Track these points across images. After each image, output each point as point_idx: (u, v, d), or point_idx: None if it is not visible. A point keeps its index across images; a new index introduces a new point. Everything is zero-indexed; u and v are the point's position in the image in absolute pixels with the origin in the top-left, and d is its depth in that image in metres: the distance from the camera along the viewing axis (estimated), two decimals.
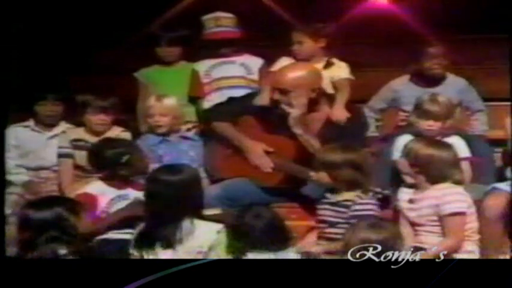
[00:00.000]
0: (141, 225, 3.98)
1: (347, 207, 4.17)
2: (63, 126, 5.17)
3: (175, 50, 5.37)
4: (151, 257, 3.83)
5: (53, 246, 3.53)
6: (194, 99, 5.35)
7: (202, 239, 3.88)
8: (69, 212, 3.61)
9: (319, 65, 5.03)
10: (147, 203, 3.99)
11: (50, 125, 5.17)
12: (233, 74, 5.28)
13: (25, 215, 3.62)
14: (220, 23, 5.27)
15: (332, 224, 4.20)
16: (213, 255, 3.78)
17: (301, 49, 5.02)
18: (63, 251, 3.53)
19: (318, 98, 4.71)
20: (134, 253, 3.91)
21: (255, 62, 5.33)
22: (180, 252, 3.83)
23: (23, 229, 3.60)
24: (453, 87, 5.20)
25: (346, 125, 4.68)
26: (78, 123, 5.08)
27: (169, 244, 3.84)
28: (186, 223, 3.87)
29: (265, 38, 5.64)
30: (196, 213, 3.95)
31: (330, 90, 4.98)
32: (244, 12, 5.41)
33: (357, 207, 4.15)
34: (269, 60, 5.22)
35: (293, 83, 4.61)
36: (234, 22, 5.29)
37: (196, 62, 5.38)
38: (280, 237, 3.78)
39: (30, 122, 5.17)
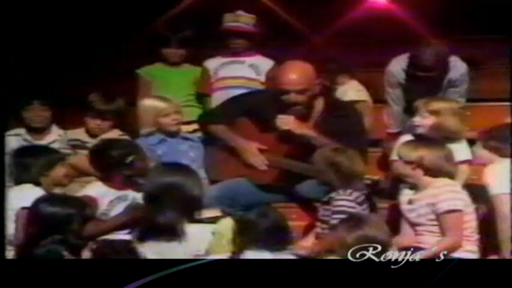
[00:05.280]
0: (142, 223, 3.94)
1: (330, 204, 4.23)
2: (55, 133, 5.13)
3: (181, 52, 5.38)
4: (152, 255, 3.80)
5: (56, 246, 3.54)
6: (202, 97, 5.37)
7: (198, 241, 3.84)
8: (78, 214, 3.62)
9: None
10: (144, 200, 3.96)
11: (41, 132, 5.11)
12: (240, 74, 5.29)
13: (35, 211, 3.63)
14: (240, 19, 5.31)
15: (326, 223, 4.24)
16: (211, 257, 3.76)
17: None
18: (65, 252, 3.54)
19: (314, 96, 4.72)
20: (138, 249, 3.87)
21: (265, 64, 5.32)
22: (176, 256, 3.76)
23: (30, 225, 3.61)
24: (456, 70, 5.13)
25: (340, 121, 4.67)
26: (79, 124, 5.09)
27: (168, 242, 3.80)
28: (179, 226, 3.81)
29: (281, 38, 5.66)
30: (192, 216, 3.88)
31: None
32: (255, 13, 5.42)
33: (335, 203, 4.19)
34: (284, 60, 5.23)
35: (295, 82, 4.61)
36: (253, 21, 5.32)
37: (206, 60, 5.40)
38: (282, 238, 3.79)
39: (21, 130, 5.09)
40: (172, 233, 3.78)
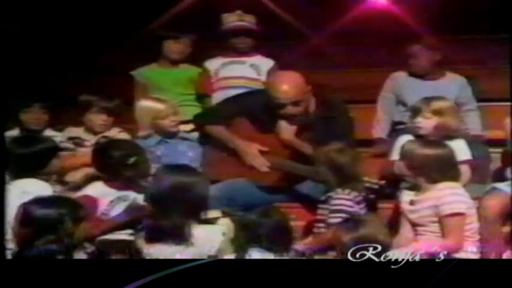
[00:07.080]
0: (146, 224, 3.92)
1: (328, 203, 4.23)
2: (48, 134, 5.08)
3: (182, 47, 5.38)
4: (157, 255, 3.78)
5: (49, 246, 3.53)
6: (202, 97, 5.38)
7: (210, 242, 3.82)
8: (71, 214, 3.62)
9: None
10: (150, 202, 3.94)
11: (36, 133, 5.07)
12: (240, 74, 5.31)
13: (27, 212, 3.63)
14: (245, 18, 5.33)
15: (324, 222, 4.24)
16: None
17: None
18: (58, 253, 3.54)
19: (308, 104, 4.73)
20: (143, 250, 3.86)
21: (265, 63, 5.34)
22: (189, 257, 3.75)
23: (23, 226, 3.61)
24: (451, 83, 5.19)
25: (330, 122, 4.67)
26: (78, 123, 5.08)
27: (175, 244, 3.79)
28: (187, 226, 3.80)
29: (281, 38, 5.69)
30: (198, 216, 3.88)
31: None
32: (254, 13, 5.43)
33: (333, 201, 4.19)
34: (283, 60, 5.24)
35: (290, 95, 4.60)
36: (255, 20, 5.34)
37: (207, 60, 5.42)
38: (284, 238, 3.79)
39: (15, 131, 5.05)
40: (180, 236, 3.77)
